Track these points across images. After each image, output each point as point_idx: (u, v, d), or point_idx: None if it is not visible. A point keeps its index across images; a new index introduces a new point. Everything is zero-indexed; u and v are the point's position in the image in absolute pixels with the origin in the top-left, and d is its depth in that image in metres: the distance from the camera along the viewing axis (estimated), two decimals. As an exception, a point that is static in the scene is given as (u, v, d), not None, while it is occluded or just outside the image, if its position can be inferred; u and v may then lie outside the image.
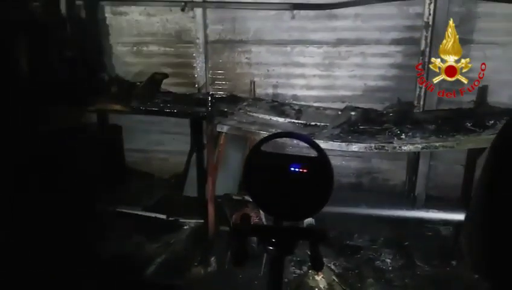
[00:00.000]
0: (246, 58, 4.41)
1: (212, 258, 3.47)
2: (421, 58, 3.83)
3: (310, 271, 3.24)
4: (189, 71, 4.59)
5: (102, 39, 4.64)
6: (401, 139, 3.20)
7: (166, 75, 4.22)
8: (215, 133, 3.52)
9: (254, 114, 3.76)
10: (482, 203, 0.83)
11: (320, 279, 3.20)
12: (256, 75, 4.37)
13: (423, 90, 3.88)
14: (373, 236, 3.78)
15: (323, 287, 3.17)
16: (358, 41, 4.08)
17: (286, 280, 3.15)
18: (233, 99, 4.14)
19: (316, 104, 4.16)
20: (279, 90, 4.38)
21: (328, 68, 4.22)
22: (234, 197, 3.91)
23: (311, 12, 4.09)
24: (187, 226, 4.00)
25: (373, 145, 3.08)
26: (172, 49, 4.59)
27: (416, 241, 3.72)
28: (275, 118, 3.72)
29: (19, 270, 2.94)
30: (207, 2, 4.35)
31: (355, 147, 3.11)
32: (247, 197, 3.47)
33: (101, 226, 3.77)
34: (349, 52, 4.13)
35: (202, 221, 3.86)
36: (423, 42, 3.81)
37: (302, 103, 4.21)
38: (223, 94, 4.33)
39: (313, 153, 1.26)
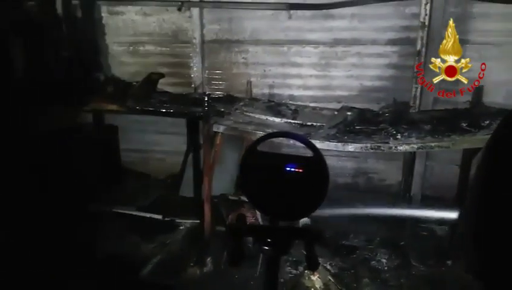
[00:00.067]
0: (243, 58, 4.41)
1: (208, 259, 3.46)
2: (417, 58, 3.84)
3: (306, 271, 3.25)
4: (185, 71, 4.58)
5: (98, 39, 4.62)
6: (397, 139, 3.20)
7: (162, 75, 4.21)
8: (211, 133, 3.52)
9: (250, 114, 3.76)
10: (475, 203, 0.83)
11: (316, 279, 3.21)
12: (252, 75, 4.36)
13: (419, 90, 3.89)
14: (369, 236, 3.79)
15: (319, 287, 3.17)
16: (355, 41, 4.08)
17: (282, 280, 3.15)
18: (229, 99, 4.15)
19: (312, 104, 4.16)
20: (276, 91, 4.38)
21: (324, 68, 4.22)
22: (230, 197, 3.92)
23: (308, 13, 4.10)
24: (183, 227, 4.00)
25: (369, 145, 3.09)
26: (169, 49, 4.59)
27: (412, 241, 3.73)
28: (271, 118, 3.73)
29: (18, 270, 2.94)
30: (204, 1, 4.35)
31: (351, 147, 3.12)
32: (243, 198, 3.47)
33: (97, 226, 3.76)
34: (346, 52, 4.14)
35: (198, 221, 3.86)
36: (419, 42, 3.82)
37: (299, 103, 4.21)
38: (220, 94, 4.33)
39: (309, 153, 1.26)
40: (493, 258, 0.79)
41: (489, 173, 0.81)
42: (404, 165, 4.24)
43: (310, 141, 1.30)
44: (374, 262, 3.50)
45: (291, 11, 4.13)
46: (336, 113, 3.85)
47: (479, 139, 3.05)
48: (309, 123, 3.64)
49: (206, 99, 3.46)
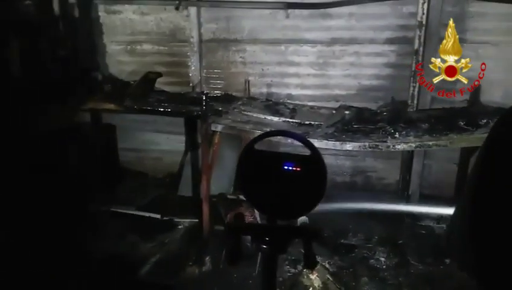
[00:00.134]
0: (241, 57, 4.40)
1: (207, 258, 3.46)
2: (414, 57, 3.85)
3: (305, 270, 3.25)
4: (183, 70, 4.57)
5: (95, 38, 4.60)
6: (394, 138, 3.21)
7: (160, 74, 4.21)
8: (209, 132, 3.52)
9: (248, 113, 3.76)
10: (471, 201, 0.83)
11: (314, 278, 3.21)
12: (250, 74, 4.36)
13: (417, 89, 3.90)
14: (367, 235, 3.79)
15: (318, 285, 3.17)
16: (353, 40, 4.09)
17: (281, 279, 3.15)
18: (227, 99, 4.14)
19: (310, 103, 4.16)
20: (274, 89, 4.38)
21: (322, 67, 4.22)
22: (229, 196, 3.91)
23: (306, 12, 4.10)
24: (181, 226, 3.99)
25: (367, 144, 3.10)
26: (166, 48, 4.57)
27: (410, 239, 3.73)
28: (269, 117, 3.73)
29: (18, 270, 2.93)
30: (201, 0, 4.34)
31: (349, 146, 3.12)
32: (242, 197, 3.47)
33: (95, 226, 3.75)
34: (344, 51, 4.14)
35: (197, 220, 3.86)
36: (417, 41, 3.82)
37: (297, 102, 4.21)
38: (218, 93, 4.32)
39: (307, 152, 1.26)
40: (488, 257, 0.79)
41: (486, 171, 0.81)
42: (402, 163, 4.25)
43: (307, 140, 1.30)
44: (372, 261, 3.50)
45: (289, 10, 4.12)
46: (333, 112, 3.85)
47: (477, 138, 3.06)
48: (307, 122, 3.64)
49: (204, 98, 3.45)
